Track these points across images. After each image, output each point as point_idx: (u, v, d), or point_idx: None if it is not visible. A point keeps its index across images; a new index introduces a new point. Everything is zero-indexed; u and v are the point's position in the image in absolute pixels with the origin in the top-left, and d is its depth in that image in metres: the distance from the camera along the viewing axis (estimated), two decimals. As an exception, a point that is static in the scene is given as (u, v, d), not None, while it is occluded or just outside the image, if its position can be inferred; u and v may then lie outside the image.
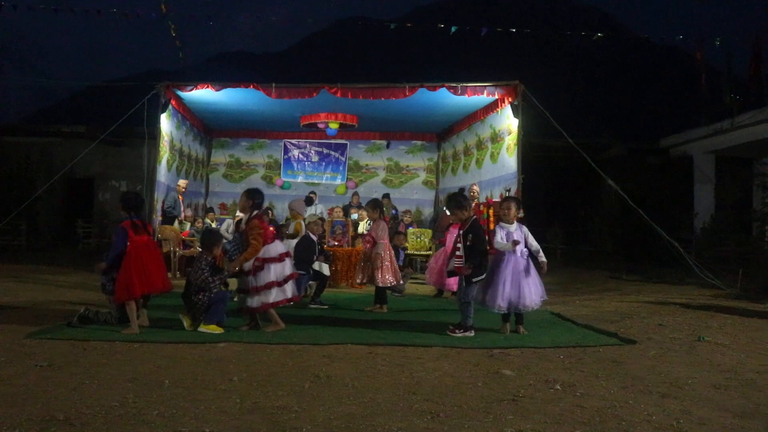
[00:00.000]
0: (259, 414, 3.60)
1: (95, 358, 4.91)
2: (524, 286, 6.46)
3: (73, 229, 17.81)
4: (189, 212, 13.43)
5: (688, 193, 18.12)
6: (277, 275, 6.47)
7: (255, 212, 6.59)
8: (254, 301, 6.39)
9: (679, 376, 4.71)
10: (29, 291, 9.19)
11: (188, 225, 12.74)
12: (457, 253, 6.54)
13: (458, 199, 6.85)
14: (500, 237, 6.58)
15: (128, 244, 6.28)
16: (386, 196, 15.35)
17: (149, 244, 6.50)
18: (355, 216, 13.35)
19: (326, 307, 8.44)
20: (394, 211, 14.58)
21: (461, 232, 6.55)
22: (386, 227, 8.67)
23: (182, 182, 13.21)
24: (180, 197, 12.74)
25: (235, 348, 5.44)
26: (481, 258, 6.39)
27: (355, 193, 15.67)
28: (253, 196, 6.67)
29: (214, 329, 6.18)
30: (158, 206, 12.04)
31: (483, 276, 6.38)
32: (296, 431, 3.36)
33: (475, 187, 11.76)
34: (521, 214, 7.06)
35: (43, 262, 13.69)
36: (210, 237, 6.86)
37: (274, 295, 6.42)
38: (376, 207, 8.70)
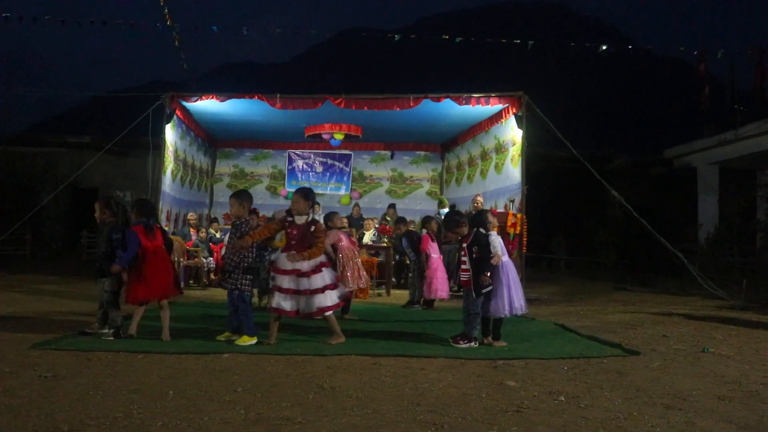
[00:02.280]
0: (263, 425, 3.61)
1: (99, 369, 4.91)
2: (519, 290, 6.53)
3: (78, 239, 17.83)
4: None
5: (692, 204, 18.10)
6: (331, 279, 6.30)
7: (313, 215, 6.35)
8: (312, 305, 6.16)
9: (683, 387, 4.70)
10: (33, 301, 9.21)
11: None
12: (463, 266, 6.55)
13: (453, 219, 6.91)
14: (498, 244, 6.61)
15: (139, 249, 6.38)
16: (392, 206, 15.35)
17: (157, 250, 6.47)
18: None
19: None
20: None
21: (465, 245, 6.57)
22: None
23: (192, 215, 13.50)
24: (192, 230, 12.90)
25: (239, 359, 5.44)
26: (491, 268, 6.40)
27: (356, 204, 15.70)
28: (310, 197, 6.32)
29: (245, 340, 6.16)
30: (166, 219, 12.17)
31: (491, 286, 6.38)
32: (300, 442, 3.36)
33: (479, 198, 11.76)
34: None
35: (47, 272, 13.72)
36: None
37: (329, 299, 6.20)
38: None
